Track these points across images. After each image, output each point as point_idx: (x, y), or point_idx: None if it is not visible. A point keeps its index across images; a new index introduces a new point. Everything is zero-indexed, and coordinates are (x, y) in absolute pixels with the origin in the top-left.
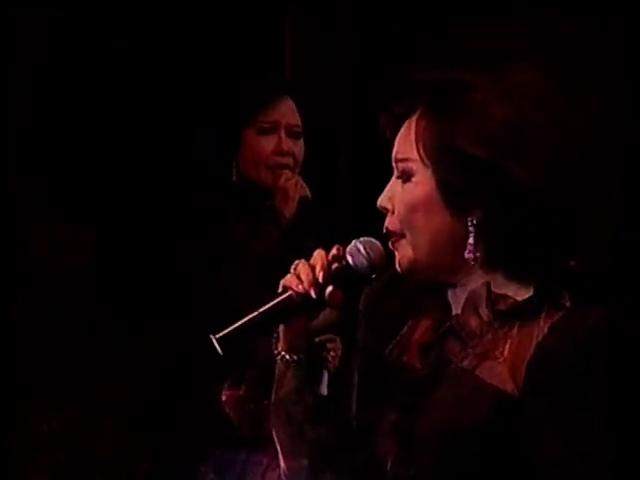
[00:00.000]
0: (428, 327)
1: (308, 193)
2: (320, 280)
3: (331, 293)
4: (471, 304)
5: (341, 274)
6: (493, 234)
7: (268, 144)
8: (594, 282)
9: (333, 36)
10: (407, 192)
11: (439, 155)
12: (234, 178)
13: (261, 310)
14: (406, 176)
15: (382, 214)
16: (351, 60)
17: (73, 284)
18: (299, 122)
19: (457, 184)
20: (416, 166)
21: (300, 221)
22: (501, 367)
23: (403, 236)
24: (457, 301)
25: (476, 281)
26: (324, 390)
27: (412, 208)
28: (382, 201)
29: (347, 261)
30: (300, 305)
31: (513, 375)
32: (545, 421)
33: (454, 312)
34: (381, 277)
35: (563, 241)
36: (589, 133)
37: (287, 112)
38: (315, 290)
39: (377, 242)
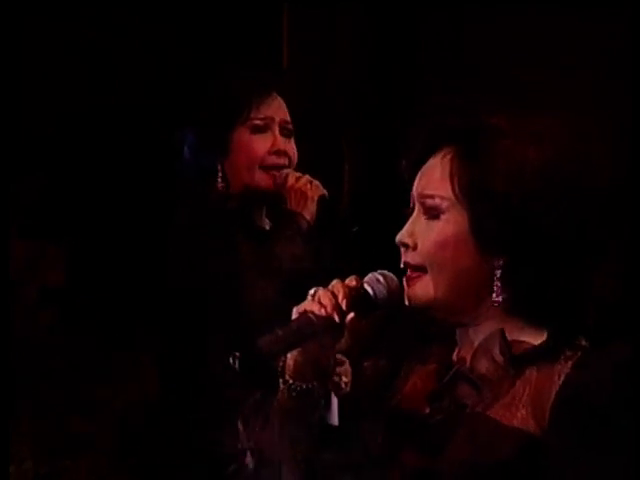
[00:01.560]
0: (432, 372)
1: (325, 192)
2: (344, 307)
3: (352, 320)
4: (485, 350)
5: (361, 303)
6: (519, 278)
7: (263, 143)
8: (610, 321)
9: (333, 29)
10: (436, 229)
11: (476, 194)
12: (219, 185)
13: (284, 332)
14: (434, 213)
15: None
16: (352, 55)
17: (42, 305)
18: (290, 119)
19: (491, 224)
20: (446, 204)
21: (321, 222)
22: (521, 409)
23: (425, 272)
24: (467, 342)
25: (489, 324)
26: (334, 420)
27: (441, 245)
28: (403, 237)
29: (366, 291)
30: (320, 330)
31: (534, 416)
32: (571, 459)
33: (461, 353)
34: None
35: (582, 285)
36: (606, 176)
37: (279, 108)
38: (338, 316)
39: (392, 274)
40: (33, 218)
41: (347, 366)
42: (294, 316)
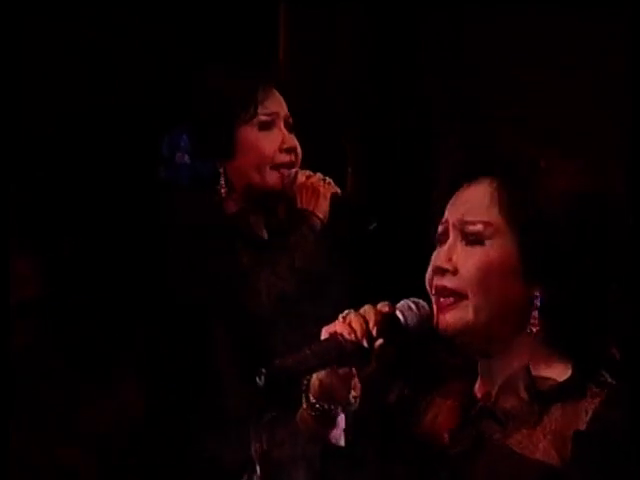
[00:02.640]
0: (454, 407)
1: (338, 189)
2: (374, 333)
3: (381, 346)
4: (510, 387)
5: (391, 329)
6: (557, 308)
7: (272, 140)
8: (633, 356)
9: (333, 29)
10: (478, 255)
11: (527, 220)
12: (222, 191)
13: (312, 351)
14: (477, 239)
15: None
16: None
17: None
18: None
19: (539, 251)
20: (491, 230)
21: (335, 221)
22: (544, 442)
23: (464, 297)
24: (490, 376)
25: (516, 356)
26: (341, 440)
27: (485, 271)
28: (441, 262)
29: (397, 318)
30: (348, 354)
31: (556, 447)
32: None
33: (485, 388)
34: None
35: (610, 316)
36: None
37: (281, 102)
38: (367, 341)
39: (426, 303)
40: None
41: (356, 381)
42: (323, 336)
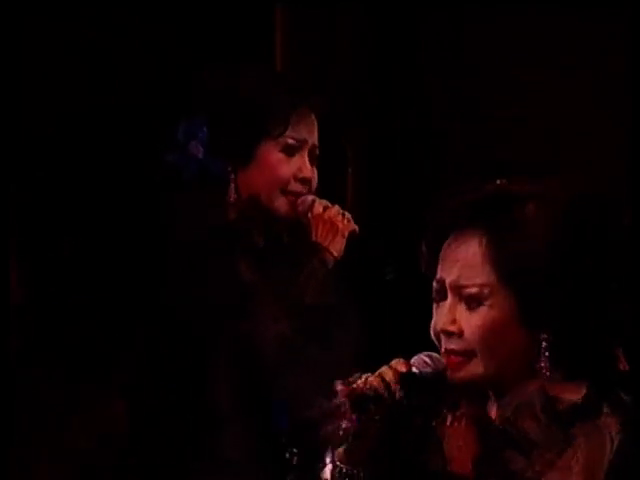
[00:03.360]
0: (472, 434)
1: (357, 227)
2: (394, 393)
3: (401, 398)
4: (526, 408)
5: (409, 384)
6: (565, 345)
7: (291, 167)
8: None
9: (333, 29)
10: (481, 315)
11: (520, 276)
12: (232, 197)
13: (333, 406)
14: (476, 301)
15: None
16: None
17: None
18: (318, 143)
19: (538, 301)
20: (488, 290)
21: (349, 262)
22: (574, 477)
23: (473, 356)
24: (505, 398)
25: (529, 386)
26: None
27: (489, 331)
28: (445, 325)
29: (414, 374)
30: (369, 402)
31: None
32: None
33: (500, 411)
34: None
35: (618, 334)
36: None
37: (313, 130)
38: (388, 395)
39: (439, 356)
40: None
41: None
42: (342, 394)
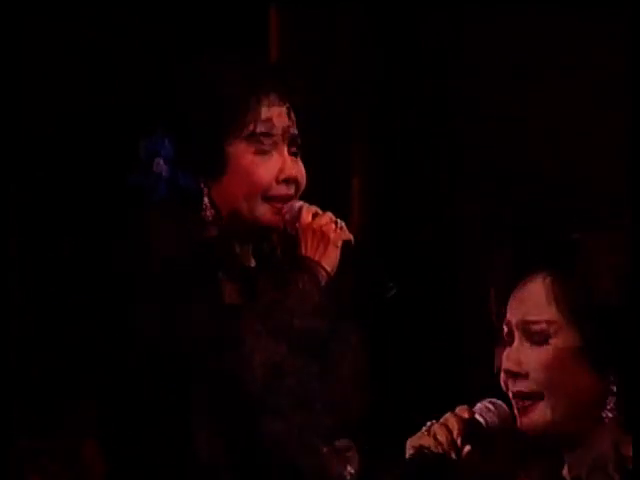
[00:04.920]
0: None
1: (351, 236)
2: (459, 442)
3: (469, 452)
4: (599, 468)
5: (474, 434)
6: (633, 387)
7: (269, 167)
8: None
9: (333, 29)
10: (546, 354)
11: (586, 313)
12: (207, 213)
13: (402, 468)
14: (542, 338)
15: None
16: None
17: None
18: (297, 131)
19: (605, 339)
20: (554, 327)
21: (343, 277)
22: None
23: (540, 399)
24: (576, 456)
25: (601, 438)
26: None
27: (556, 370)
28: (511, 366)
29: (478, 421)
30: (434, 466)
31: None
32: None
33: (573, 471)
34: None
35: None
36: None
37: (287, 115)
38: (454, 451)
39: (502, 402)
40: None
41: (354, 453)
42: (408, 451)
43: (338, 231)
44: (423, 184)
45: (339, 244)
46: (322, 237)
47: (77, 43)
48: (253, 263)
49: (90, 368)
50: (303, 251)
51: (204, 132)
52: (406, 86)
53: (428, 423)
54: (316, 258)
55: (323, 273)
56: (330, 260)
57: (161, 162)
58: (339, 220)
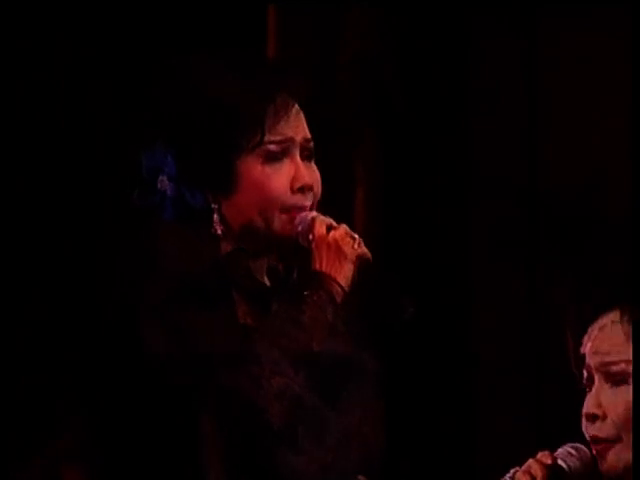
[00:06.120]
0: None
1: (368, 252)
2: None
3: None
4: None
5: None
6: None
7: (281, 177)
8: None
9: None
10: (627, 394)
11: None
12: (217, 230)
13: None
14: (621, 378)
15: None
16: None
17: None
18: (310, 135)
19: None
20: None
21: (361, 294)
22: None
23: (619, 441)
24: None
25: None
26: None
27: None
28: (590, 409)
29: (560, 466)
30: None
31: None
32: None
33: None
34: None
35: None
36: None
37: (300, 122)
38: None
39: (584, 446)
40: None
41: None
42: None
43: (355, 246)
44: (428, 195)
45: (355, 260)
46: (337, 251)
47: (72, 46)
48: (268, 282)
49: (88, 390)
50: (317, 266)
51: (209, 147)
52: (412, 90)
53: (512, 470)
54: (331, 274)
55: (339, 290)
56: (345, 275)
57: (165, 180)
58: (355, 234)
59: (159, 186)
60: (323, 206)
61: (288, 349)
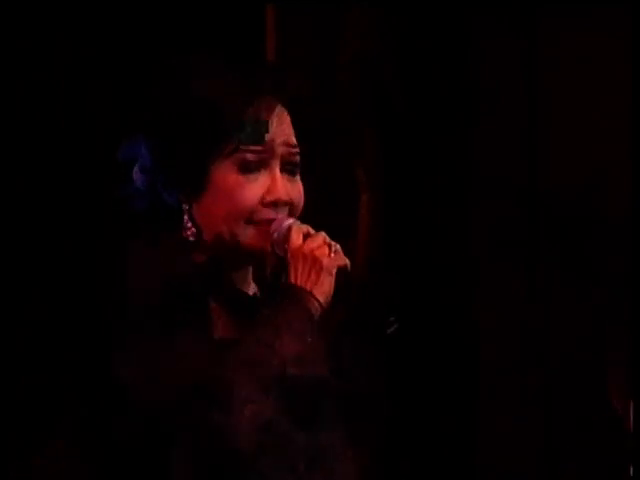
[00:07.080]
0: None
1: (347, 262)
2: None
3: None
4: None
5: None
6: None
7: (255, 189)
8: None
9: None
10: None
11: None
12: (188, 232)
13: None
14: None
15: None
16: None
17: None
18: (295, 141)
19: None
20: None
21: (339, 308)
22: None
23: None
24: None
25: None
26: None
27: None
28: None
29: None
30: None
31: None
32: None
33: None
34: None
35: None
36: None
37: (282, 126)
38: None
39: None
40: None
41: None
42: None
43: (332, 255)
44: (428, 195)
45: (333, 271)
46: (314, 263)
47: (65, 41)
48: (252, 291)
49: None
50: (293, 279)
51: (184, 145)
52: (412, 90)
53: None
54: (307, 287)
55: (316, 305)
56: (323, 289)
57: (138, 171)
58: (333, 243)
59: (134, 177)
60: (323, 206)
61: (260, 373)
